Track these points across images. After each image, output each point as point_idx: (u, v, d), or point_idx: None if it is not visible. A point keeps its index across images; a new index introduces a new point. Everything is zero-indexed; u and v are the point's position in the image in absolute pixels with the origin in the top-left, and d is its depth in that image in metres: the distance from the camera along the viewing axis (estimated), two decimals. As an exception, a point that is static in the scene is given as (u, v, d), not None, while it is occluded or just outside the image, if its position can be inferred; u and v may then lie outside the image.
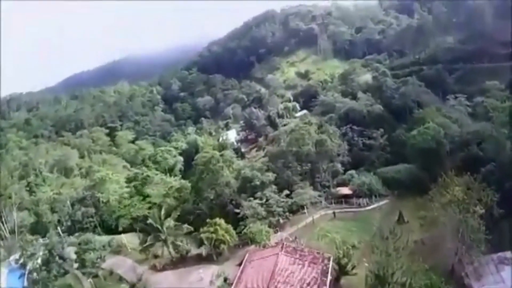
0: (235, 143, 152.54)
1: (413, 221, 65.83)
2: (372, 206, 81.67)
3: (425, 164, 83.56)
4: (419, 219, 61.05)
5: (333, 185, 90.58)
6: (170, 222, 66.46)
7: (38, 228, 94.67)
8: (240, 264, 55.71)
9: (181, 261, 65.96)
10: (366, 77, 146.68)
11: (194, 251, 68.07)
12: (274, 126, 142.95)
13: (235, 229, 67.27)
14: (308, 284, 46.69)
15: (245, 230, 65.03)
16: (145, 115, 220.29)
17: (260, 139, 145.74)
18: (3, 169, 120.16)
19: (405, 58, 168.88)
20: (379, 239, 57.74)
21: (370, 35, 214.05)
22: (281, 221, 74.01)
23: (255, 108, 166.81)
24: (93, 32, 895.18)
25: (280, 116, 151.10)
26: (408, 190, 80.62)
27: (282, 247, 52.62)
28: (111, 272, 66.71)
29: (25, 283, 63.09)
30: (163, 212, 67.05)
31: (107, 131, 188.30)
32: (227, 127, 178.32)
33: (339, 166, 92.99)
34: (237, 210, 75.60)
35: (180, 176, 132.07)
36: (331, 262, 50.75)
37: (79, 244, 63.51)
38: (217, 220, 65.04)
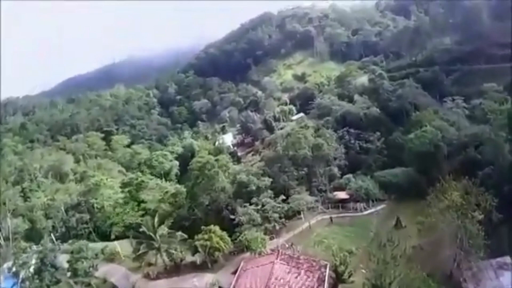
0: (231, 147, 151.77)
1: (411, 226, 64.70)
2: (369, 211, 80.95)
3: (422, 168, 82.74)
4: (417, 224, 60.16)
5: (330, 189, 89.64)
6: (163, 229, 65.59)
7: (33, 235, 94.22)
8: (235, 272, 54.78)
9: (175, 269, 65.13)
10: (363, 79, 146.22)
11: (188, 258, 67.17)
12: (271, 129, 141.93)
13: (230, 235, 66.59)
14: (304, 293, 45.77)
15: (240, 237, 63.94)
16: (141, 119, 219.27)
17: (257, 143, 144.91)
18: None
19: (401, 60, 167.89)
20: (376, 246, 56.72)
21: (366, 37, 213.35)
22: (277, 227, 72.83)
23: (251, 111, 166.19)
24: (92, 33, 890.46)
25: (277, 119, 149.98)
26: (406, 194, 79.68)
27: (277, 255, 51.67)
28: (105, 281, 66.25)
29: (18, 292, 62.11)
30: (156, 219, 66.08)
31: (103, 135, 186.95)
32: (223, 130, 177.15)
33: (336, 170, 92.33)
34: (233, 216, 74.47)
35: (176, 180, 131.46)
36: (327, 270, 49.79)
37: (72, 252, 62.53)
38: (212, 227, 64.30)
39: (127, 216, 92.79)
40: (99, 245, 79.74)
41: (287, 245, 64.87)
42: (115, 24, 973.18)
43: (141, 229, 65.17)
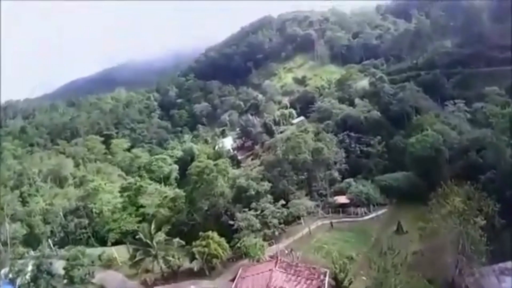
0: (231, 151, 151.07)
1: (412, 231, 63.90)
2: (370, 216, 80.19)
3: (423, 172, 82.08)
4: (418, 230, 59.28)
5: (330, 193, 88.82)
6: (160, 236, 64.77)
7: (31, 240, 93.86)
8: (233, 280, 53.73)
9: (173, 276, 64.24)
10: (363, 82, 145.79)
11: (186, 265, 66.18)
12: (271, 133, 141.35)
13: (229, 241, 65.57)
14: (303, 302, 44.82)
15: (239, 244, 62.97)
16: (141, 122, 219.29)
17: (257, 147, 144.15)
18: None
19: (402, 63, 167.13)
20: (377, 253, 55.82)
21: (367, 40, 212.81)
22: (277, 233, 71.87)
23: (251, 114, 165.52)
24: (92, 33, 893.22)
25: (277, 123, 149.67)
26: (407, 198, 79.16)
27: (276, 262, 50.53)
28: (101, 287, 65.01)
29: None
30: (153, 226, 65.05)
31: (103, 138, 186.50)
32: (223, 134, 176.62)
33: (336, 174, 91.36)
34: (232, 222, 73.53)
35: (176, 184, 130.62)
36: (327, 278, 48.70)
37: (68, 259, 61.80)
38: (210, 233, 63.36)
39: (125, 222, 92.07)
40: (97, 250, 79.02)
41: (286, 251, 63.79)
42: (115, 24, 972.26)
43: (137, 236, 64.26)
